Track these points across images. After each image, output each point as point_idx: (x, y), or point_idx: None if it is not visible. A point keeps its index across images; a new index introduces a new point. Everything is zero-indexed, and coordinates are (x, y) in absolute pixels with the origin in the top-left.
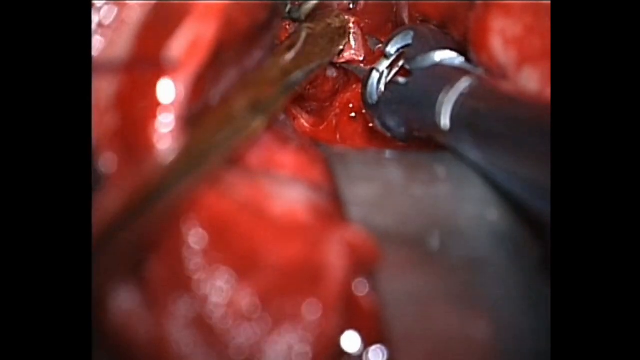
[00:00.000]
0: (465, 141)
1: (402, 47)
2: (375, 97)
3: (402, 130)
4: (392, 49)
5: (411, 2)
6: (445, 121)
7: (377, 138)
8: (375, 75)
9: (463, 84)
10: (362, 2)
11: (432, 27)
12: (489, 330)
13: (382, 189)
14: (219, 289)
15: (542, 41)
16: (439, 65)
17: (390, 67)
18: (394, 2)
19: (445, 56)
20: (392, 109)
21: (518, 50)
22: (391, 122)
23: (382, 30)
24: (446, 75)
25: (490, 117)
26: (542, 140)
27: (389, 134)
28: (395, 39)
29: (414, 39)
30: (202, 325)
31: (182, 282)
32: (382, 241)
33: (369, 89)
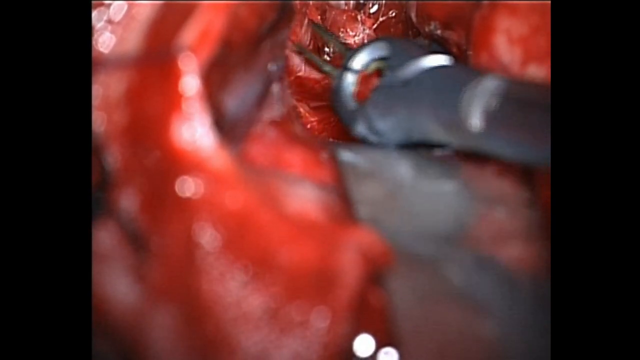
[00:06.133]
0: (499, 139)
1: (372, 61)
2: (352, 102)
3: (397, 134)
4: (357, 64)
5: (419, 2)
6: (475, 120)
7: None
8: (351, 78)
9: (490, 82)
10: (370, 3)
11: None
12: (497, 329)
13: (390, 186)
14: (231, 291)
15: (548, 40)
16: (446, 67)
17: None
18: (403, 2)
19: (440, 62)
20: (384, 111)
21: (523, 50)
22: (383, 126)
23: (392, 31)
24: (464, 74)
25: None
26: None
27: (375, 139)
28: (362, 53)
29: (390, 50)
30: (211, 327)
31: (192, 282)
32: (392, 240)
33: (343, 92)
